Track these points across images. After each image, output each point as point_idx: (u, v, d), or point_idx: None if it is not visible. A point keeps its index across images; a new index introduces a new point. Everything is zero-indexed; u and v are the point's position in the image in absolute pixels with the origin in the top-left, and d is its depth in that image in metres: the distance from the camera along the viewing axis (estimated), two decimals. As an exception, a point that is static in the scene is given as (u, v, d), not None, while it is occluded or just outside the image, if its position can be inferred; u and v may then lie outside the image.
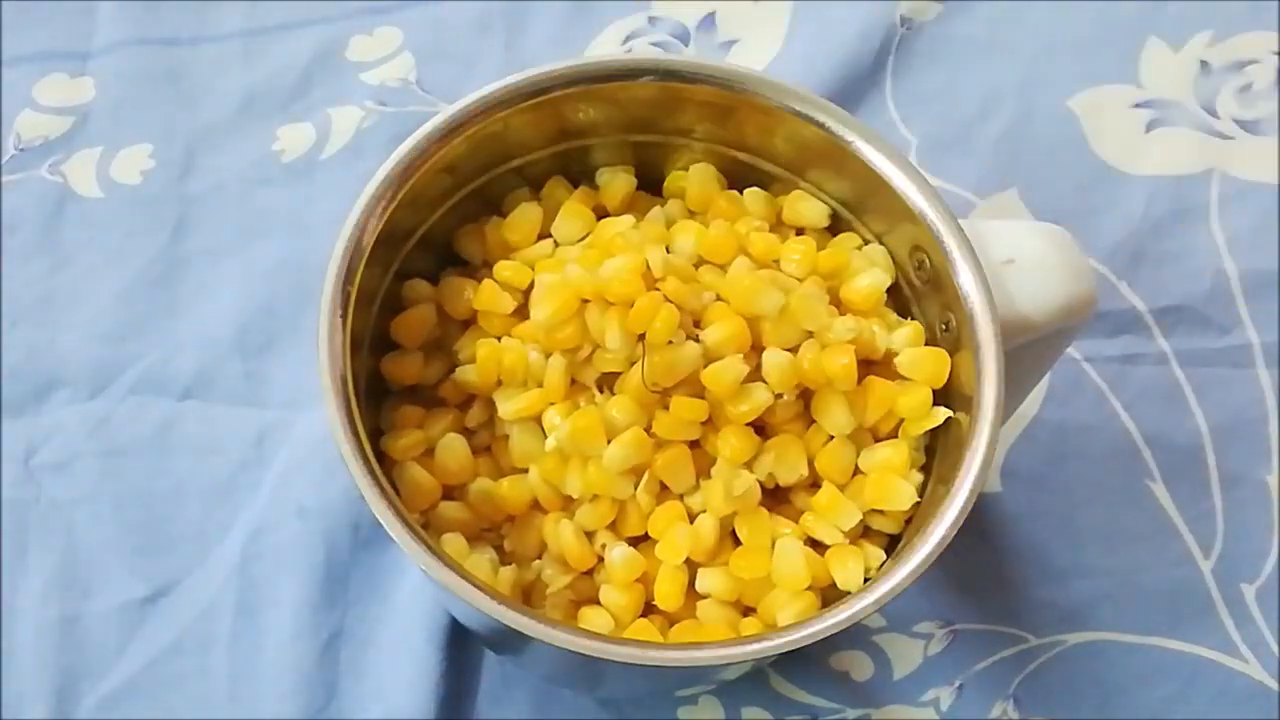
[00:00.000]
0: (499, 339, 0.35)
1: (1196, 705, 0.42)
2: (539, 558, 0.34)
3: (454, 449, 0.34)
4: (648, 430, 0.33)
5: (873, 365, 0.34)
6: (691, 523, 0.33)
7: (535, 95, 0.35)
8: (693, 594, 0.33)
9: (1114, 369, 0.45)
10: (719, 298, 0.34)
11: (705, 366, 0.33)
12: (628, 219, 0.36)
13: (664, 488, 0.34)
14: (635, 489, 0.33)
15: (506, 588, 0.33)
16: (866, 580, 0.33)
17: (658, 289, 0.33)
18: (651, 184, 0.38)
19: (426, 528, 0.34)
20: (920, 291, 0.35)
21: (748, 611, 0.34)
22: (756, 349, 0.33)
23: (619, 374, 0.33)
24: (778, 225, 0.37)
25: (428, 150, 0.34)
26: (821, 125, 0.34)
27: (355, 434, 0.31)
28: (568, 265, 0.34)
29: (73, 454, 0.44)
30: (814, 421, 0.34)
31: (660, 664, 0.30)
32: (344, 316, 0.32)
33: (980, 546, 0.43)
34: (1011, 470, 0.44)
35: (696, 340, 0.33)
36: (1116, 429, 0.45)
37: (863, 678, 0.42)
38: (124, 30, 0.50)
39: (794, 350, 0.33)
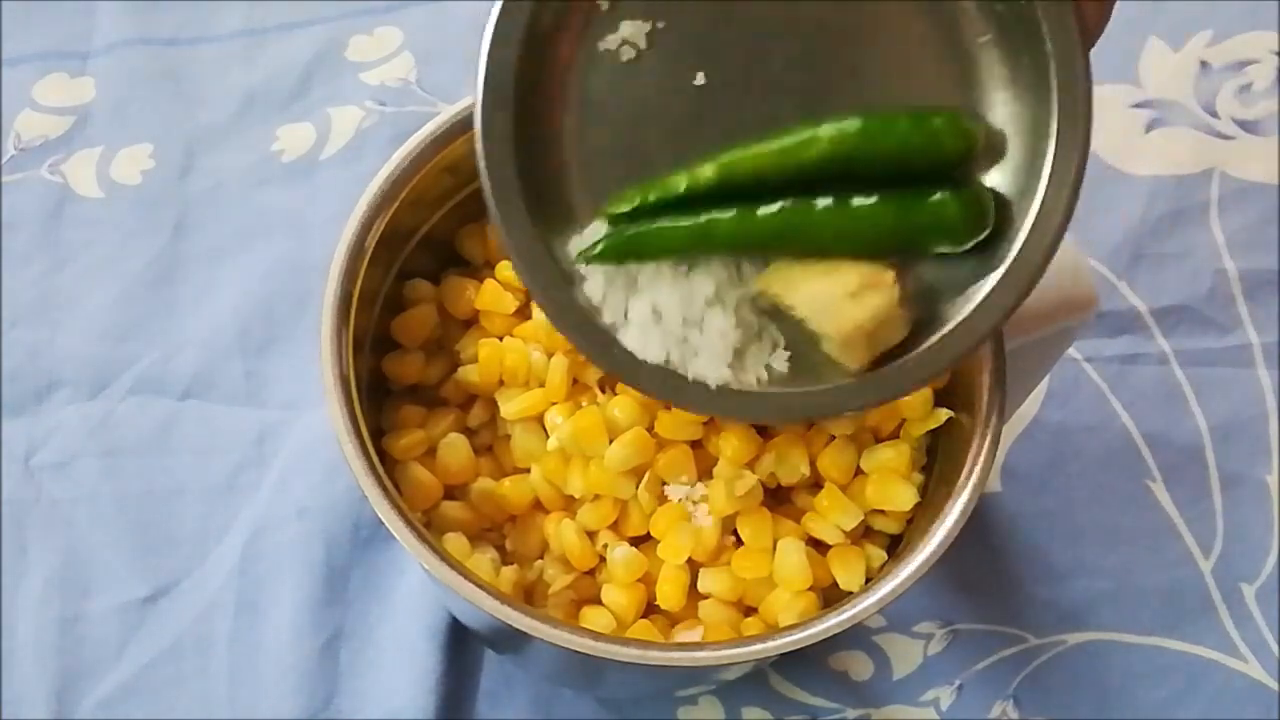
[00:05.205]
0: (501, 339, 0.35)
1: (1196, 705, 0.42)
2: (541, 557, 0.34)
3: (456, 449, 0.34)
4: (649, 430, 0.33)
5: (874, 365, 0.34)
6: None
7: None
8: (694, 594, 0.33)
9: (1114, 369, 0.45)
10: (721, 297, 0.34)
11: (707, 366, 0.33)
12: (629, 219, 0.36)
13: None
14: (637, 489, 0.33)
15: (508, 587, 0.33)
16: (868, 581, 0.33)
17: (659, 288, 0.33)
18: (652, 184, 0.38)
19: (428, 527, 0.33)
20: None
21: (749, 612, 0.34)
22: (758, 348, 0.33)
23: (621, 374, 0.33)
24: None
25: (429, 150, 0.34)
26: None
27: (358, 434, 0.31)
28: (570, 265, 0.34)
29: (73, 454, 0.44)
30: (815, 422, 0.34)
31: (661, 664, 0.30)
32: (346, 316, 0.32)
33: (980, 546, 0.43)
34: (1011, 470, 0.44)
35: (698, 340, 0.33)
36: (1116, 429, 0.45)
37: (863, 678, 0.42)
38: (124, 30, 0.50)
39: (796, 350, 0.33)
